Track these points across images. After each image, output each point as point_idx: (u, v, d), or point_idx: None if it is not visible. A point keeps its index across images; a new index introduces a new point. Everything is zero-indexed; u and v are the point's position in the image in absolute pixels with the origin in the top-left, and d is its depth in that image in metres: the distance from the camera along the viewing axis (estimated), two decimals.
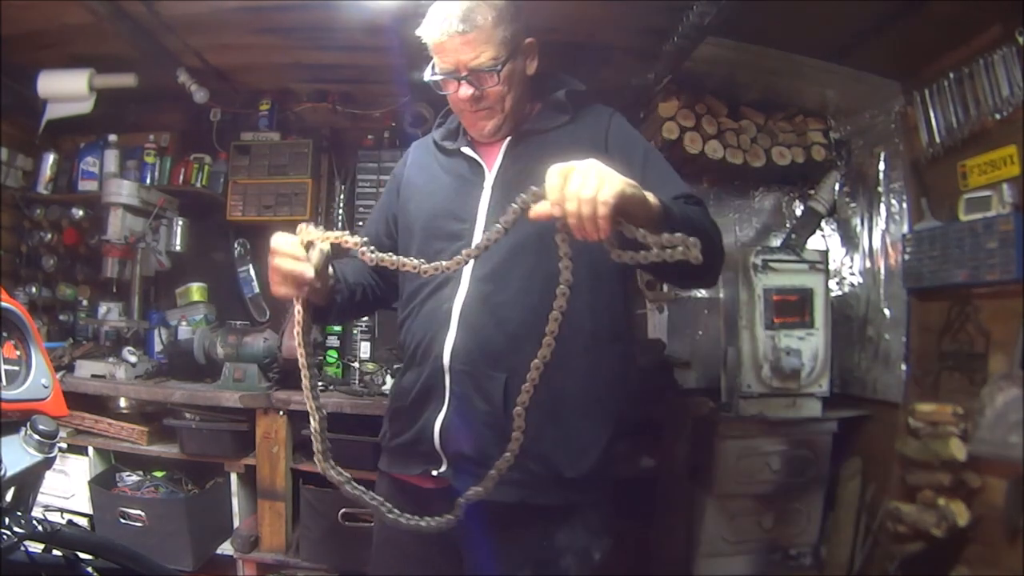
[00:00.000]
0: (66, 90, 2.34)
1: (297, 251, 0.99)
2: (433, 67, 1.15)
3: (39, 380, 0.88)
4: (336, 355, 2.43)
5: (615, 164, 0.86)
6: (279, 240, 1.00)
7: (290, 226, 1.01)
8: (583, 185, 0.81)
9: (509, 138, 1.19)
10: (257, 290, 2.68)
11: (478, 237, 1.10)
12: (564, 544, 1.10)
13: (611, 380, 1.15)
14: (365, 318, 2.51)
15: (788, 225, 2.65)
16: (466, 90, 1.12)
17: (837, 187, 2.51)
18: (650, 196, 0.89)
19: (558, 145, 1.10)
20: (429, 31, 1.12)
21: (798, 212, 2.65)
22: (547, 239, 0.92)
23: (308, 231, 1.00)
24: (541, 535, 1.11)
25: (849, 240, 2.53)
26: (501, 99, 1.14)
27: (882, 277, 2.33)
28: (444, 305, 1.11)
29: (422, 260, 0.94)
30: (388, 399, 1.31)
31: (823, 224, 2.57)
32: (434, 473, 1.13)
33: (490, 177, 1.16)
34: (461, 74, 1.11)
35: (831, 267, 2.36)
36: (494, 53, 1.10)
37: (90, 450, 2.22)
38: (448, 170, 1.22)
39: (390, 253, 0.96)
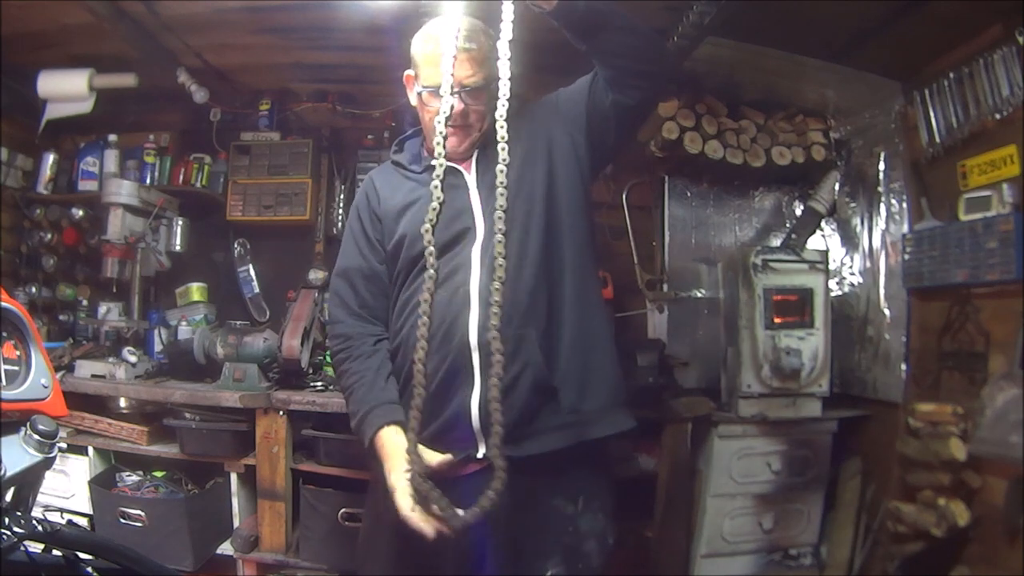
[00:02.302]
0: (66, 90, 2.35)
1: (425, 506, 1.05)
2: (417, 81, 1.22)
3: (39, 380, 0.88)
4: None
5: (572, 115, 1.23)
6: (416, 518, 1.06)
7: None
8: None
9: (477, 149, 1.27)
10: (257, 290, 2.68)
11: (480, 231, 1.18)
12: (600, 474, 1.24)
13: (606, 320, 1.32)
14: None
15: (788, 225, 2.65)
16: (457, 105, 1.16)
17: (837, 187, 2.51)
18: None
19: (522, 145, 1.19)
20: (430, 44, 1.17)
21: (798, 212, 2.64)
22: (535, 219, 1.16)
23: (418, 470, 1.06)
24: (587, 470, 1.21)
25: (849, 240, 2.53)
26: (481, 119, 1.22)
27: (882, 277, 2.33)
28: (461, 289, 1.16)
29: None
30: None
31: (823, 224, 2.57)
32: (478, 455, 1.13)
33: (471, 180, 1.23)
34: (455, 90, 1.13)
35: (831, 267, 2.36)
36: (486, 74, 1.17)
37: (90, 450, 2.21)
38: (426, 184, 1.24)
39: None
